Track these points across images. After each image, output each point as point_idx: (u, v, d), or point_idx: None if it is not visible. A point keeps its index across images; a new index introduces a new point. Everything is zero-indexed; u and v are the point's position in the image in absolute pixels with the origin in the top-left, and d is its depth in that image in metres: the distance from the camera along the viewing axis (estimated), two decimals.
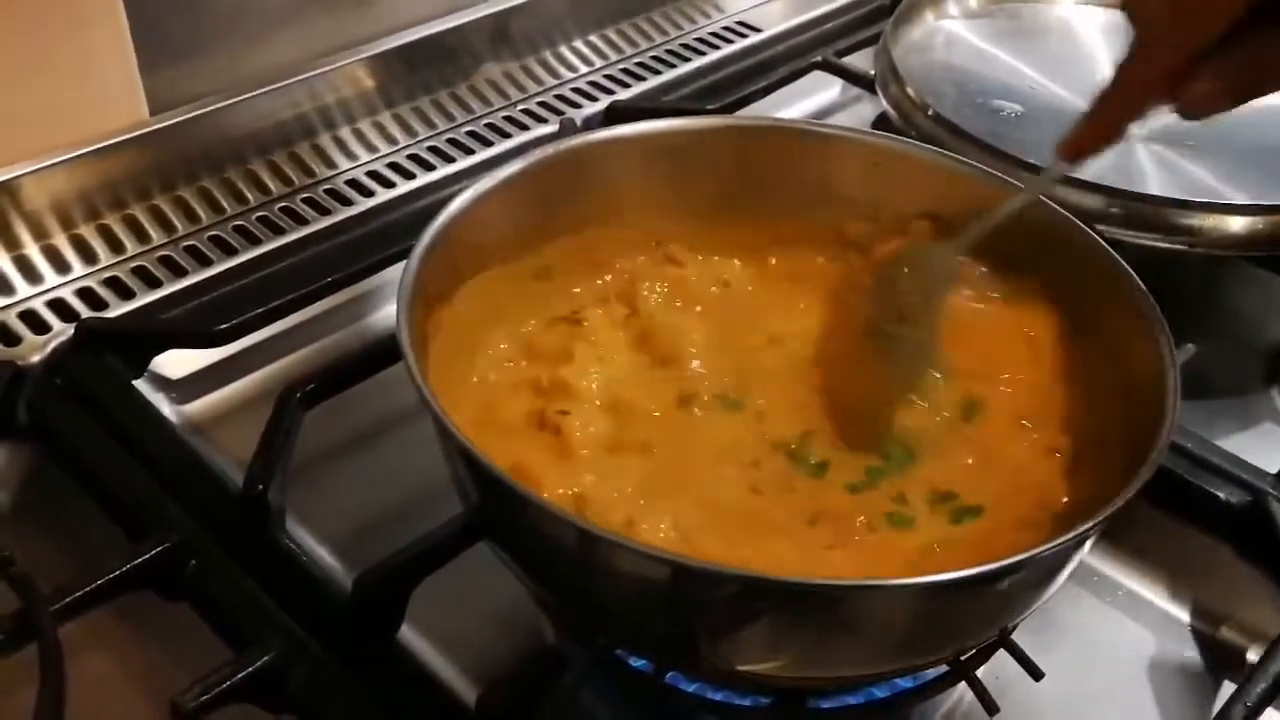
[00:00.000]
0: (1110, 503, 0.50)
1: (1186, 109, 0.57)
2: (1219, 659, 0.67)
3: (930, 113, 0.91)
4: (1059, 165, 0.63)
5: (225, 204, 0.90)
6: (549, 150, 0.70)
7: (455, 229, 0.63)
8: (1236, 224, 0.81)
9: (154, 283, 0.84)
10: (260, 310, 0.78)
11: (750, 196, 0.74)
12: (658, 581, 0.51)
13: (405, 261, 0.60)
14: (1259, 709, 0.60)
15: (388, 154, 0.97)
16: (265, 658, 0.58)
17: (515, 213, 0.68)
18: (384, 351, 0.71)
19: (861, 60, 1.06)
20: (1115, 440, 0.59)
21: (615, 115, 0.98)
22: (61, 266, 0.84)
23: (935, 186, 0.71)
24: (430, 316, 0.62)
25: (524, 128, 1.01)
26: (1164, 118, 0.91)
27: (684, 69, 1.10)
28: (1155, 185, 0.85)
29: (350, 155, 0.96)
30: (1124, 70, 0.58)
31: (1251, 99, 0.57)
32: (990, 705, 0.57)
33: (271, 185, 0.92)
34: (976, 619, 0.54)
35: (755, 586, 0.50)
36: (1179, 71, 0.56)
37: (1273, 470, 0.70)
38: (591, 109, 1.03)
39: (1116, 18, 1.02)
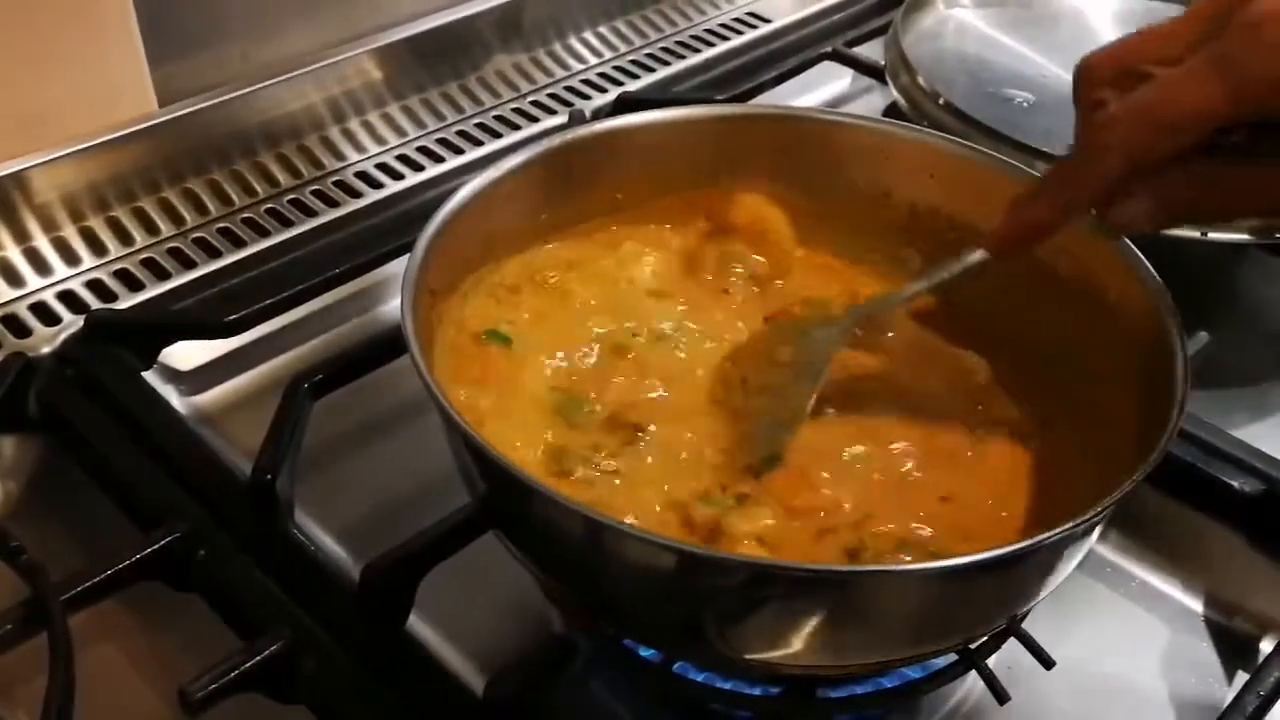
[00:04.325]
0: (1118, 488, 0.50)
1: (1111, 224, 0.55)
2: (1232, 649, 0.67)
3: (941, 102, 0.90)
4: (979, 254, 0.60)
5: (234, 196, 0.90)
6: (554, 141, 0.69)
7: (460, 220, 0.63)
8: None
9: (163, 274, 0.84)
10: (269, 302, 0.78)
11: (759, 187, 0.74)
12: (665, 570, 0.50)
13: (409, 253, 0.60)
14: (1272, 699, 0.59)
15: (396, 146, 0.97)
16: (274, 647, 0.58)
17: (521, 204, 0.68)
18: (392, 342, 0.71)
19: (872, 50, 1.06)
20: (1126, 428, 0.58)
21: (625, 106, 0.98)
22: (71, 258, 0.84)
23: (945, 173, 0.71)
24: (436, 307, 0.62)
25: (533, 120, 1.01)
26: None
27: (694, 60, 1.10)
28: None
29: (359, 148, 0.96)
30: (1063, 170, 0.56)
31: (1177, 226, 0.55)
32: (1001, 694, 0.57)
33: (280, 177, 0.92)
34: (985, 606, 0.54)
35: (763, 574, 0.50)
36: (1119, 184, 0.53)
37: None
38: (601, 100, 1.03)
39: (1130, 5, 1.03)
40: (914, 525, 0.58)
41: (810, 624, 0.51)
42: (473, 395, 0.61)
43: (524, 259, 0.69)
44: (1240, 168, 0.53)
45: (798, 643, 0.52)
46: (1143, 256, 0.62)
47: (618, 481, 0.59)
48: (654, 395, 0.64)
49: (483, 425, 0.59)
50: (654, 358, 0.66)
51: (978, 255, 0.61)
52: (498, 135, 0.99)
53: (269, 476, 0.66)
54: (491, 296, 0.67)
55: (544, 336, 0.66)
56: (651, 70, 1.08)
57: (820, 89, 1.07)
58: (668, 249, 0.73)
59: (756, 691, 0.59)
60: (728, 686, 0.59)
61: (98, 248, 0.85)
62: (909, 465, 0.61)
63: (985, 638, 0.58)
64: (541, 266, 0.70)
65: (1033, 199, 0.57)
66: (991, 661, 0.59)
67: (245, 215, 0.89)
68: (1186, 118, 0.51)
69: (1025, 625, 0.58)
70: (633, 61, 1.09)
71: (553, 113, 1.02)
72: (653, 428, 0.62)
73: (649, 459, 0.60)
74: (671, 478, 0.60)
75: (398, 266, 0.66)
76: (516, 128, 1.00)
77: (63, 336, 0.78)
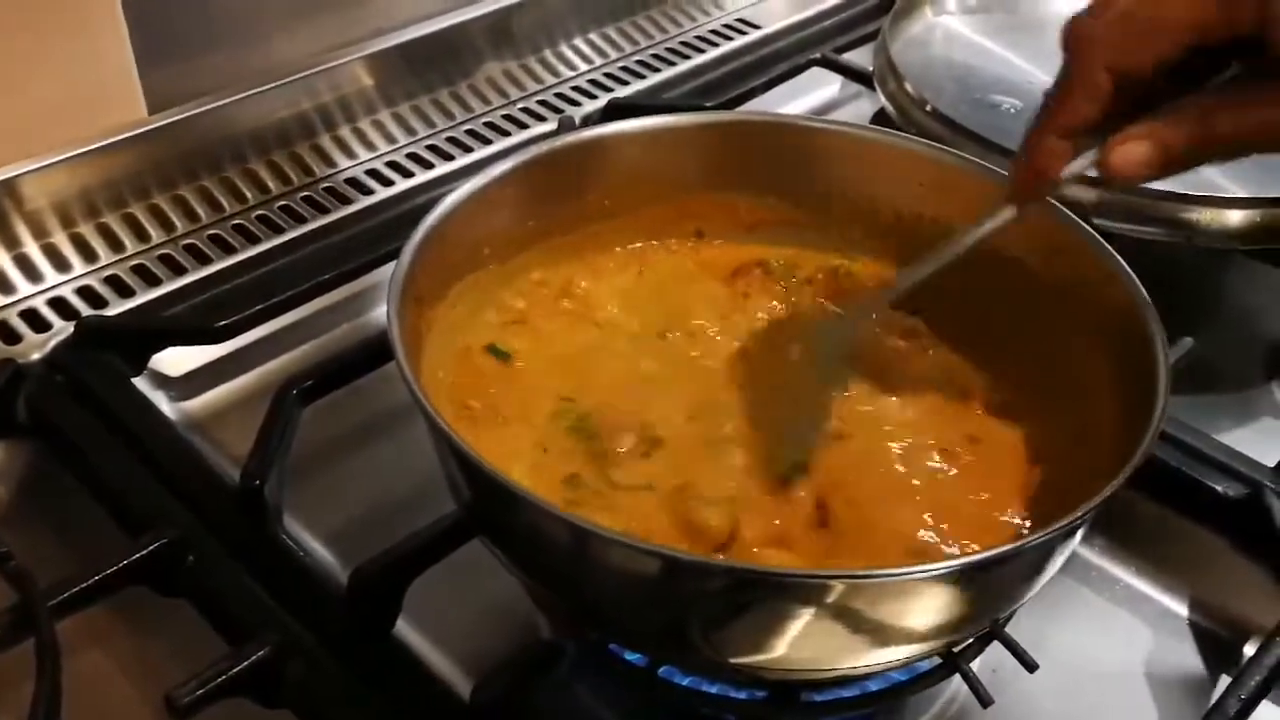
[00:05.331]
0: (1099, 492, 0.50)
1: (1114, 174, 0.54)
2: (1215, 652, 0.67)
3: (928, 108, 0.91)
4: (1005, 213, 0.59)
5: (224, 202, 0.90)
6: (543, 147, 0.70)
7: (447, 227, 0.63)
8: (1234, 217, 0.81)
9: (153, 281, 0.84)
10: (259, 307, 0.79)
11: (747, 194, 0.74)
12: (649, 575, 0.51)
13: (396, 259, 0.60)
14: (1254, 702, 0.60)
15: (387, 152, 0.97)
16: (261, 652, 0.58)
17: (510, 210, 0.68)
18: (381, 348, 0.70)
19: (860, 57, 1.06)
20: (1108, 433, 0.59)
21: (614, 113, 0.98)
22: (61, 265, 0.84)
23: (932, 180, 0.71)
24: (424, 314, 0.62)
25: (523, 126, 1.01)
26: None
27: (683, 67, 1.10)
28: None
29: (350, 154, 0.96)
30: (1051, 97, 0.55)
31: (1181, 171, 0.53)
32: (984, 698, 0.57)
33: (270, 184, 0.93)
34: (968, 610, 0.54)
35: (745, 578, 0.50)
36: (1108, 108, 0.53)
37: (1271, 463, 0.70)
38: (591, 107, 1.03)
39: None
40: (921, 531, 0.58)
41: (793, 628, 0.51)
42: None
43: (509, 266, 0.70)
44: (1234, 97, 0.52)
45: (781, 647, 0.52)
46: (1123, 262, 0.63)
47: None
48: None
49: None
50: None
51: (1003, 215, 0.59)
52: (488, 142, 0.99)
53: (257, 482, 0.66)
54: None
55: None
56: (641, 77, 1.08)
57: (809, 95, 1.08)
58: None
59: (742, 695, 0.59)
60: (713, 690, 0.59)
61: (88, 254, 0.85)
62: (903, 470, 0.62)
63: (969, 641, 0.58)
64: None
65: (1033, 139, 0.56)
66: (975, 665, 0.59)
67: (236, 221, 0.89)
68: (1166, 21, 0.51)
69: (1010, 629, 0.59)
70: (622, 68, 1.09)
71: (543, 119, 1.02)
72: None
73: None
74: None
75: (388, 272, 0.66)
76: (506, 134, 1.00)
77: (53, 343, 0.78)
